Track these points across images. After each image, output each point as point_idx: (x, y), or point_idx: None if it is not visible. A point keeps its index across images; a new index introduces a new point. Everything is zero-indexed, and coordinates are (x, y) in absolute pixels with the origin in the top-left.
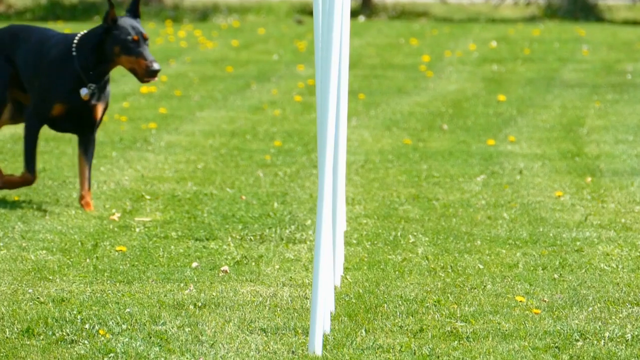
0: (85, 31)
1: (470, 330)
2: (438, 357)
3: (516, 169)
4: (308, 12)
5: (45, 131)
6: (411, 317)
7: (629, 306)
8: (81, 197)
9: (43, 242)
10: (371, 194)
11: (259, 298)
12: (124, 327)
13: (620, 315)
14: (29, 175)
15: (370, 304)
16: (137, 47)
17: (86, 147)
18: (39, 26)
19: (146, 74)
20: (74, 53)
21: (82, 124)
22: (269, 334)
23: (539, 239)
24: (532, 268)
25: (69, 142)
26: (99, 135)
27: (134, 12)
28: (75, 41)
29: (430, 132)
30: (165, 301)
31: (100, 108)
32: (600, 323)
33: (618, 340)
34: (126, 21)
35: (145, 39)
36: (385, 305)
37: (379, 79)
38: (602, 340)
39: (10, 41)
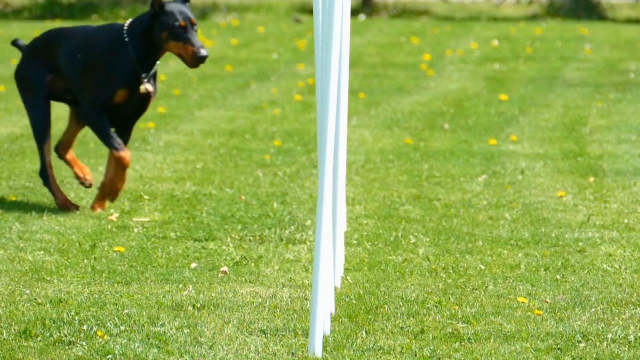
0: (132, 18)
1: (472, 331)
2: (439, 358)
3: (518, 169)
4: (308, 10)
5: None
6: (412, 318)
7: (631, 307)
8: (103, 185)
9: (40, 243)
10: (372, 194)
11: (258, 299)
12: (122, 328)
13: (623, 316)
14: (120, 153)
15: (371, 305)
16: (185, 33)
17: (122, 137)
18: (76, 25)
19: (194, 60)
20: (126, 39)
21: (136, 112)
22: (269, 335)
23: (541, 240)
24: (534, 269)
25: None
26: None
27: None
28: (125, 28)
29: (431, 131)
30: (163, 302)
31: (152, 98)
32: (602, 324)
33: (621, 341)
34: (174, 6)
35: (193, 25)
36: (386, 306)
37: (380, 78)
38: (605, 342)
39: (47, 45)
